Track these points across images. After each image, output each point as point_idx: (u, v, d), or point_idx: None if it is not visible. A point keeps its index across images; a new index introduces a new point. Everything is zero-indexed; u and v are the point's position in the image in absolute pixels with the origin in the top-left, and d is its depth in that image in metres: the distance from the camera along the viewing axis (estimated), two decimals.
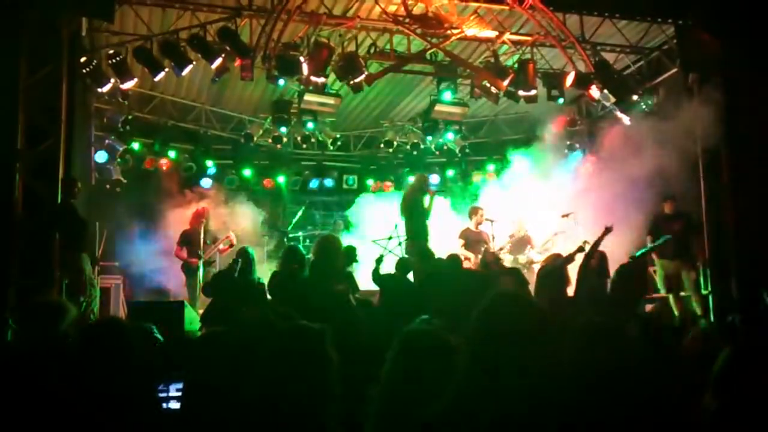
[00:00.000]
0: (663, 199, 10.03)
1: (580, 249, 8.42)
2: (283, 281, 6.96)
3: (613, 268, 8.33)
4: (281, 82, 10.27)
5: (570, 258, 8.35)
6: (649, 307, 9.95)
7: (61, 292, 7.64)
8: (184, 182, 13.36)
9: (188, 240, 10.57)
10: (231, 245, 10.59)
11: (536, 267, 9.98)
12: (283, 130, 13.01)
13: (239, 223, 11.88)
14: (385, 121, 14.54)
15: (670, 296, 9.99)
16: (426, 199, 10.45)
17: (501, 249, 11.19)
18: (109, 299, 9.85)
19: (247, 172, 14.28)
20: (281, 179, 14.64)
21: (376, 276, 7.85)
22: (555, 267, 8.23)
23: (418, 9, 10.14)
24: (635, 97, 11.10)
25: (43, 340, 3.50)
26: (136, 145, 12.74)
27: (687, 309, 9.84)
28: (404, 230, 10.61)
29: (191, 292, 10.22)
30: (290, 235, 13.61)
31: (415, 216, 10.34)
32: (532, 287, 8.43)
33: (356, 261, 8.08)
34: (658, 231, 9.80)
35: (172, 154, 13.26)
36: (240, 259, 7.77)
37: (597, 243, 8.22)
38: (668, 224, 9.78)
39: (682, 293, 9.96)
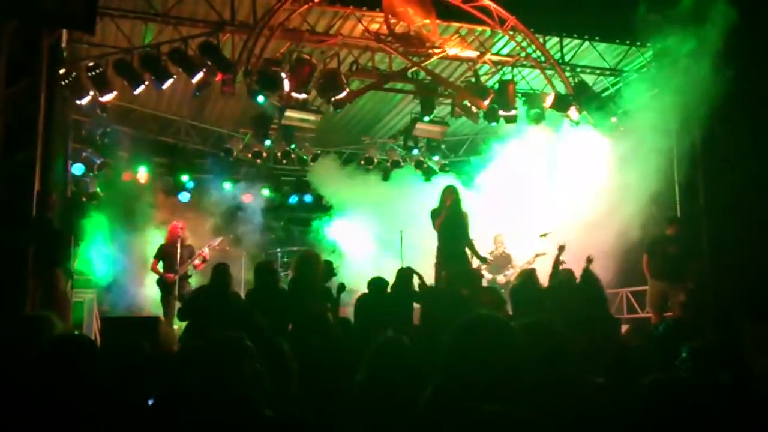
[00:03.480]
0: (667, 222, 10.08)
1: (561, 248, 8.48)
2: (259, 299, 6.88)
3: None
4: (261, 98, 10.23)
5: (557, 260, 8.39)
6: (624, 328, 10.00)
7: (34, 306, 7.51)
8: (162, 196, 13.25)
9: (165, 254, 10.46)
10: (204, 260, 10.49)
11: None
12: (265, 144, 12.97)
13: (216, 238, 11.76)
14: (366, 138, 14.55)
15: (652, 315, 10.04)
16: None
17: (479, 267, 11.17)
18: (82, 313, 9.71)
19: (227, 186, 14.20)
20: (262, 194, 14.57)
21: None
22: (526, 282, 8.15)
23: (400, 28, 10.22)
24: (614, 119, 11.22)
25: (28, 355, 3.41)
26: (113, 159, 12.60)
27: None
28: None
29: (166, 307, 10.10)
30: (269, 251, 13.58)
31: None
32: None
33: (335, 275, 8.01)
34: (654, 252, 9.86)
35: (148, 168, 13.14)
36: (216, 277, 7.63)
37: (556, 262, 8.29)
38: (666, 246, 9.83)
39: (667, 314, 10.00)
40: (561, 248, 8.43)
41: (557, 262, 8.28)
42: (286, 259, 13.24)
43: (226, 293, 7.14)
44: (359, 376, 3.05)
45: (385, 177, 14.43)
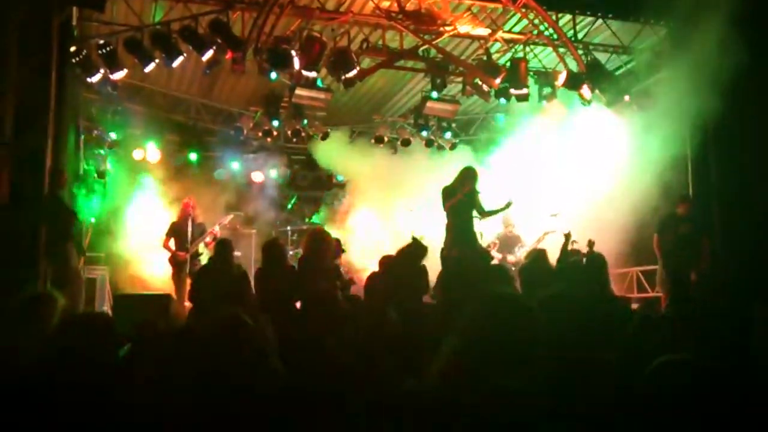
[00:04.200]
0: (678, 200, 10.02)
1: (568, 236, 8.42)
2: (267, 277, 6.90)
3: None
4: (273, 75, 10.19)
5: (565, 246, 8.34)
6: (634, 306, 10.00)
7: (47, 284, 7.58)
8: (173, 174, 13.29)
9: (176, 232, 10.50)
10: (215, 238, 10.52)
11: None
12: (276, 123, 12.97)
13: (227, 216, 11.79)
14: (376, 116, 14.50)
15: (662, 295, 10.02)
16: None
17: (488, 247, 11.17)
18: (94, 291, 9.78)
19: (235, 165, 14.23)
20: (272, 172, 14.60)
21: None
22: (537, 262, 8.13)
23: (411, 5, 10.13)
24: (626, 98, 11.12)
25: (34, 334, 3.45)
26: (124, 137, 12.63)
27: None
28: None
29: (178, 284, 10.16)
30: (279, 229, 13.63)
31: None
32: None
33: (344, 252, 8.03)
34: (665, 230, 9.82)
35: (158, 146, 13.15)
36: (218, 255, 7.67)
37: (564, 249, 8.23)
38: (677, 225, 9.78)
39: None
40: (567, 236, 8.34)
41: (565, 249, 8.21)
42: (295, 237, 13.29)
43: (226, 269, 7.18)
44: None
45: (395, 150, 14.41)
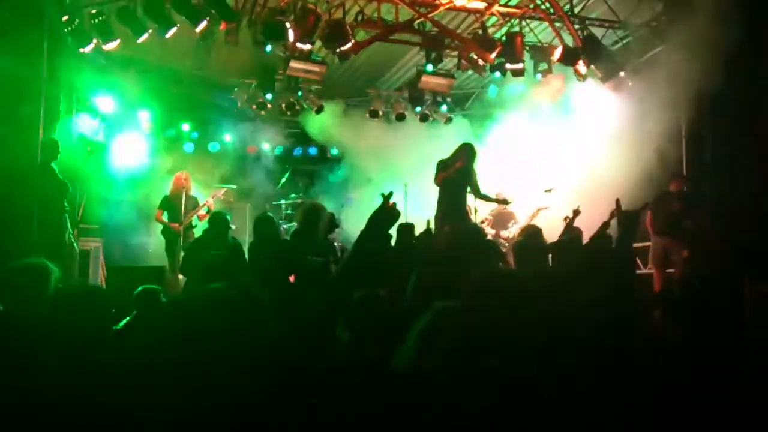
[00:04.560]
0: (671, 177, 10.05)
1: (576, 212, 8.28)
2: (259, 251, 6.90)
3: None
4: (267, 48, 10.12)
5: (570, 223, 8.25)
6: None
7: (40, 255, 7.56)
8: (166, 145, 13.24)
9: (169, 204, 10.50)
10: (209, 211, 10.53)
11: None
12: (270, 96, 12.89)
13: (220, 188, 11.77)
14: (371, 90, 14.43)
15: (654, 272, 10.08)
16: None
17: (482, 222, 11.20)
18: (88, 262, 9.77)
19: (229, 138, 14.18)
20: (266, 146, 14.57)
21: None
22: (532, 238, 8.13)
23: None
24: (622, 74, 11.08)
25: (30, 303, 3.44)
26: (116, 107, 12.52)
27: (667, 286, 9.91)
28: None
29: (171, 257, 10.18)
30: (272, 202, 13.63)
31: None
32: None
33: (338, 227, 8.02)
34: (657, 207, 9.86)
35: (151, 118, 13.08)
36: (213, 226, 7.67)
37: (569, 225, 8.17)
38: (669, 202, 9.82)
39: (669, 270, 10.03)
40: (576, 212, 8.22)
41: (570, 225, 8.14)
42: (290, 212, 13.29)
43: (222, 241, 7.19)
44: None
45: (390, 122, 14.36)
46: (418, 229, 8.10)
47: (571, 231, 7.94)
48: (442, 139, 12.98)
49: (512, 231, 11.24)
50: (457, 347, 2.30)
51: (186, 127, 13.64)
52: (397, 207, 3.09)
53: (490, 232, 11.21)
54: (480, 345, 2.25)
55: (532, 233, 7.76)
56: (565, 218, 8.48)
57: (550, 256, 7.18)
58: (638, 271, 11.10)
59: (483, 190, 9.65)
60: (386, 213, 3.04)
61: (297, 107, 13.61)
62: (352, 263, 3.03)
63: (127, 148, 12.70)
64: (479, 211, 11.20)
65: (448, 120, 14.31)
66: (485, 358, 2.10)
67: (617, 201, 3.41)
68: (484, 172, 9.57)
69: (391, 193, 3.04)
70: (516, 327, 2.28)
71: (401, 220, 9.67)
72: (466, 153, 8.91)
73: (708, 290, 3.63)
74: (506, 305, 2.31)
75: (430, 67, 11.60)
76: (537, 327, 2.31)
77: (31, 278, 3.56)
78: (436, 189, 9.10)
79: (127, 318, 4.62)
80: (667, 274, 9.88)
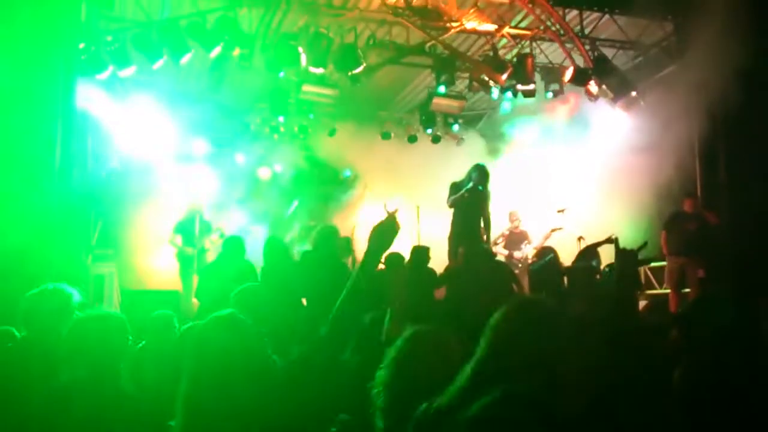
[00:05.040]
0: (684, 196, 10.02)
1: (609, 240, 8.15)
2: (271, 275, 6.90)
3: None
4: (281, 73, 10.21)
5: (595, 246, 8.16)
6: (642, 304, 10.00)
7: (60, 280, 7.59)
8: (181, 168, 13.30)
9: (183, 228, 10.57)
10: (223, 235, 10.58)
11: None
12: (283, 119, 12.98)
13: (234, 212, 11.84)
14: (383, 112, 14.50)
15: (670, 292, 10.02)
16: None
17: (495, 243, 11.19)
18: (103, 287, 9.82)
19: (245, 159, 14.25)
20: (279, 167, 14.64)
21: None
22: (548, 261, 8.12)
23: (417, 1, 10.13)
24: (634, 93, 11.09)
25: (52, 329, 3.47)
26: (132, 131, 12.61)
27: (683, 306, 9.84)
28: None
29: (185, 281, 10.22)
30: (286, 225, 13.67)
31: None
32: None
33: (351, 252, 8.03)
34: (672, 227, 9.82)
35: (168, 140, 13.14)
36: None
37: (596, 245, 8.10)
38: (683, 222, 9.78)
39: (685, 290, 9.97)
40: (610, 239, 8.07)
41: (596, 245, 8.05)
42: (303, 234, 13.30)
43: (236, 265, 7.20)
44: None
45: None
46: (433, 252, 8.15)
47: (589, 255, 7.88)
48: (455, 160, 13.01)
49: (525, 251, 11.21)
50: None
51: (199, 148, 13.68)
52: (398, 220, 3.09)
53: (503, 252, 11.18)
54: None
55: (546, 257, 7.75)
56: (579, 238, 8.47)
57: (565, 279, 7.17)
58: (654, 291, 11.05)
59: (495, 210, 9.73)
60: (388, 224, 3.04)
61: (309, 130, 13.68)
62: (359, 284, 3.02)
63: (141, 171, 12.77)
64: (493, 231, 11.21)
65: (460, 141, 14.35)
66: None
67: (615, 241, 3.38)
68: (496, 191, 9.59)
69: (396, 210, 3.05)
70: (540, 358, 2.27)
71: (413, 239, 9.69)
72: (478, 174, 8.95)
73: (723, 310, 3.60)
74: (534, 335, 2.28)
75: (442, 89, 11.65)
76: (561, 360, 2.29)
77: (53, 304, 3.59)
78: (449, 210, 9.15)
79: (142, 343, 4.63)
80: (683, 294, 9.83)
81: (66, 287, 3.72)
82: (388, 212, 3.07)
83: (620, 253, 3.28)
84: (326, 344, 2.95)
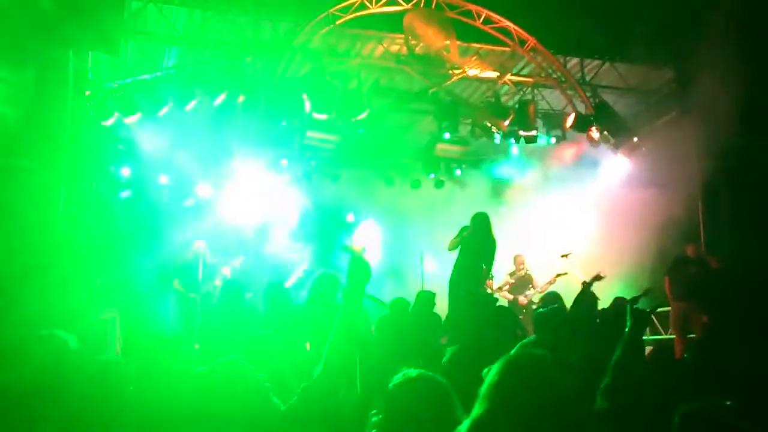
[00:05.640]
0: (686, 242, 10.03)
1: (598, 277, 8.14)
2: (272, 320, 6.88)
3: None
4: (284, 119, 10.33)
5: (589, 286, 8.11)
6: (648, 350, 9.89)
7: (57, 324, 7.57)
8: (184, 212, 13.29)
9: (186, 273, 10.53)
10: (225, 279, 10.54)
11: None
12: (286, 165, 13.01)
13: (238, 257, 11.79)
14: (386, 158, 14.56)
15: (675, 337, 9.94)
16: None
17: (500, 288, 11.15)
18: (105, 332, 9.77)
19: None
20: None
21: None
22: (555, 309, 8.04)
23: (420, 49, 10.27)
24: (635, 140, 11.17)
25: (43, 372, 3.43)
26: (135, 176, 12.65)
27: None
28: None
29: (188, 326, 10.15)
30: (290, 270, 13.60)
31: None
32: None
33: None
34: (675, 272, 9.80)
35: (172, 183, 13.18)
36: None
37: (588, 285, 8.06)
38: (686, 267, 9.77)
39: (690, 336, 9.90)
40: (598, 277, 8.09)
41: (587, 289, 8.03)
42: (306, 278, 13.26)
43: (236, 309, 7.18)
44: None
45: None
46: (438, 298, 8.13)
47: (586, 297, 7.81)
48: (458, 205, 13.05)
49: (529, 296, 11.17)
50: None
51: (203, 192, 13.67)
52: (364, 257, 3.14)
53: (507, 297, 11.14)
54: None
55: (551, 303, 7.67)
56: (583, 283, 8.38)
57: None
58: (660, 336, 10.96)
59: (500, 253, 9.79)
60: (358, 262, 3.10)
61: (314, 176, 13.72)
62: (345, 324, 3.06)
63: (145, 215, 12.79)
64: (497, 277, 11.18)
65: (463, 185, 14.38)
66: None
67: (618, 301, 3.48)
68: (501, 236, 9.61)
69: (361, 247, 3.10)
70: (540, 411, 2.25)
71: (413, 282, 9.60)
72: (477, 222, 9.10)
73: (728, 355, 3.58)
74: (533, 389, 2.26)
75: (447, 136, 11.72)
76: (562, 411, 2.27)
77: (45, 349, 3.53)
78: (453, 255, 9.22)
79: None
80: (688, 339, 9.75)
81: (60, 333, 3.65)
82: (353, 249, 3.13)
83: (634, 313, 3.35)
84: (321, 383, 2.96)
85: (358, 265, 3.12)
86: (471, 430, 2.23)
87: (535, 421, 2.17)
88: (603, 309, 7.50)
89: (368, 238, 10.91)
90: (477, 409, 2.27)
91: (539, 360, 2.36)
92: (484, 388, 2.30)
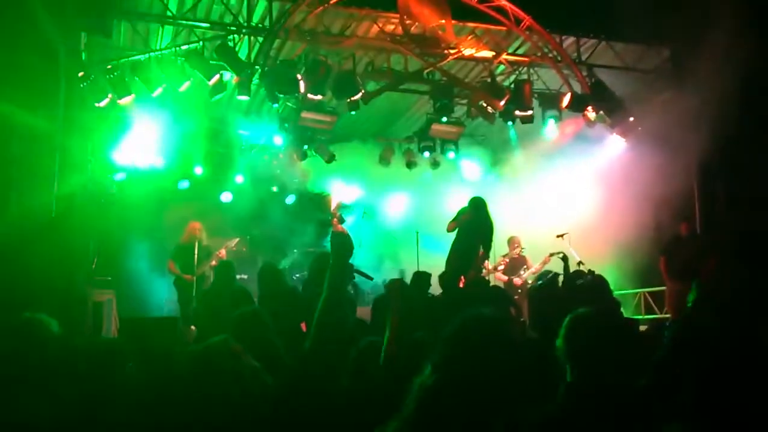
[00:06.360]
0: (680, 221, 10.04)
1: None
2: (267, 301, 6.88)
3: None
4: (278, 100, 10.27)
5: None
6: (642, 328, 9.94)
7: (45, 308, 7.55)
8: (179, 195, 13.28)
9: (182, 255, 10.51)
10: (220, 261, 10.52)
11: None
12: (281, 145, 12.98)
13: (233, 239, 11.78)
14: (381, 139, 14.53)
15: (670, 316, 9.98)
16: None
17: (495, 269, 11.18)
18: (101, 314, 9.77)
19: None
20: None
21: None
22: (545, 286, 8.04)
23: (415, 29, 10.21)
24: (631, 119, 11.14)
25: (22, 358, 3.38)
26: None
27: None
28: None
29: (184, 308, 10.16)
30: (285, 252, 13.63)
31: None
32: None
33: (353, 279, 7.97)
34: (670, 251, 9.83)
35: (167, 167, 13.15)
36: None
37: (566, 271, 8.10)
38: (680, 246, 9.79)
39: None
40: (564, 259, 8.19)
41: (566, 272, 8.08)
42: (302, 260, 13.28)
43: (229, 290, 7.18)
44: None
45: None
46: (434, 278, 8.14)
47: (573, 278, 7.83)
48: (453, 184, 13.05)
49: (524, 276, 11.20)
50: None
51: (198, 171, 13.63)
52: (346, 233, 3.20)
53: (502, 278, 11.17)
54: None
55: (545, 281, 7.69)
56: (579, 263, 8.42)
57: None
58: (656, 316, 11.02)
59: (498, 235, 9.84)
60: (339, 238, 3.14)
61: (308, 156, 13.68)
62: (332, 298, 3.09)
63: (142, 197, 12.74)
64: (493, 258, 11.20)
65: (459, 166, 14.37)
66: None
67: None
68: (497, 217, 9.62)
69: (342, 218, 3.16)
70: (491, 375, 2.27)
71: (409, 262, 9.67)
72: (471, 206, 9.22)
73: (723, 335, 3.58)
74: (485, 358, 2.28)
75: (444, 119, 11.68)
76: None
77: (26, 333, 3.45)
78: (449, 236, 9.28)
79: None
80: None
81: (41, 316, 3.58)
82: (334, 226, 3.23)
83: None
84: (311, 357, 2.97)
85: (339, 240, 3.19)
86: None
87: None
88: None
89: (343, 198, 10.91)
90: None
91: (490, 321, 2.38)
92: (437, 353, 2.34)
